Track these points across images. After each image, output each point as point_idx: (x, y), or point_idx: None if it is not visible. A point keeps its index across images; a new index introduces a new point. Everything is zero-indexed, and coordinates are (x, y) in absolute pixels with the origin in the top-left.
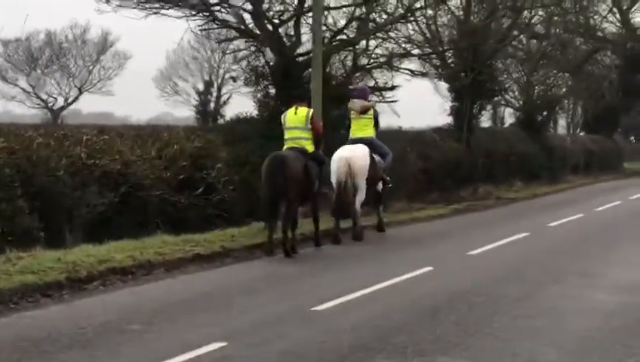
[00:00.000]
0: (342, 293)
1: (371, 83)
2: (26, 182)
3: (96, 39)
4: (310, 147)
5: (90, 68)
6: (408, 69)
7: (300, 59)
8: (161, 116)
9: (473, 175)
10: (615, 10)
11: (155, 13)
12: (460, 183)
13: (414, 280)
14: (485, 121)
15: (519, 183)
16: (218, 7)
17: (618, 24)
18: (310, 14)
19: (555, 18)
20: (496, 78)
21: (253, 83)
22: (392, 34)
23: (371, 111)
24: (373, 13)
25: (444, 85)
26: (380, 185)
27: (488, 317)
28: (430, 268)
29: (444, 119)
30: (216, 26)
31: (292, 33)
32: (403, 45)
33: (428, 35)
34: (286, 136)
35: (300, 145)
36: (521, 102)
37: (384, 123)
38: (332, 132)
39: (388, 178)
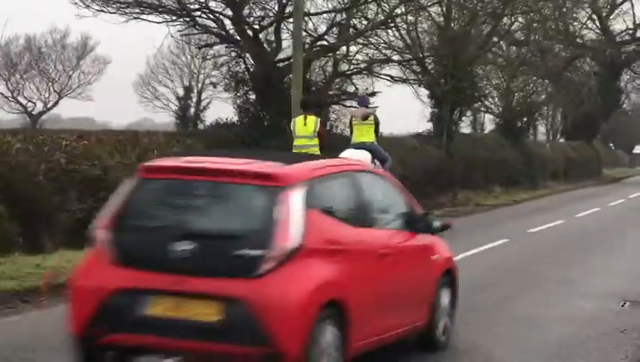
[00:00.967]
0: None
1: (351, 89)
2: (5, 188)
3: (76, 44)
4: (316, 151)
5: (70, 73)
6: (388, 75)
7: (281, 65)
8: (141, 121)
9: (453, 181)
10: (594, 17)
11: (135, 18)
12: (440, 189)
13: None
14: (465, 127)
15: (499, 189)
16: (198, 13)
17: (597, 31)
18: (291, 20)
19: (535, 25)
20: (476, 84)
21: (234, 89)
22: (372, 40)
23: (372, 118)
24: (354, 20)
25: (424, 91)
26: None
27: (466, 323)
28: None
29: (424, 125)
30: (196, 32)
31: (272, 39)
32: (383, 51)
33: (408, 41)
34: (295, 143)
35: (307, 151)
36: (500, 109)
37: None
38: None
39: None
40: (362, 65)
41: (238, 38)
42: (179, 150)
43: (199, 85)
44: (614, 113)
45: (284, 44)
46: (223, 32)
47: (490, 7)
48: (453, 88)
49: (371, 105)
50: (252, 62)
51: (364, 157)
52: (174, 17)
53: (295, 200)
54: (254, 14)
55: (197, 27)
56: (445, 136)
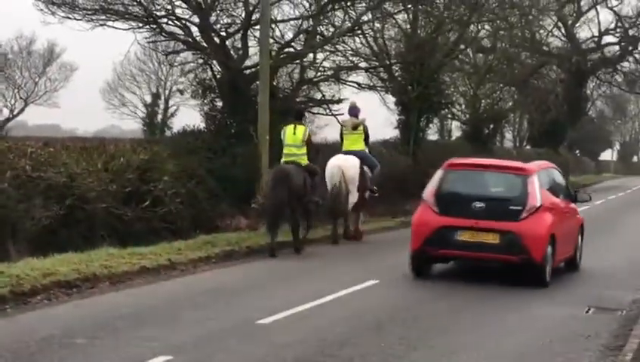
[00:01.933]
0: (288, 306)
1: (318, 96)
2: None
3: (42, 51)
4: (304, 160)
5: (36, 79)
6: (355, 82)
7: (247, 72)
8: (108, 128)
9: (420, 188)
10: (560, 24)
11: (102, 25)
12: (407, 196)
13: (360, 293)
14: (432, 134)
15: None
16: (165, 20)
17: (563, 38)
18: (257, 27)
19: (502, 32)
20: (443, 91)
21: (201, 96)
22: (339, 47)
23: (361, 127)
24: (321, 27)
25: (391, 98)
26: (368, 194)
27: (431, 330)
28: (376, 281)
29: (391, 132)
30: (163, 39)
31: (239, 46)
32: (350, 58)
33: (375, 48)
34: (284, 151)
35: (295, 160)
36: (467, 116)
37: (332, 136)
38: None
39: (375, 188)
40: (329, 73)
41: (205, 45)
42: (146, 157)
43: (166, 92)
44: (580, 120)
45: (251, 51)
46: (190, 39)
47: (456, 14)
48: (420, 95)
49: (361, 116)
50: (219, 69)
51: (352, 163)
52: (141, 24)
53: (535, 181)
54: (221, 21)
55: (163, 34)
56: (412, 143)
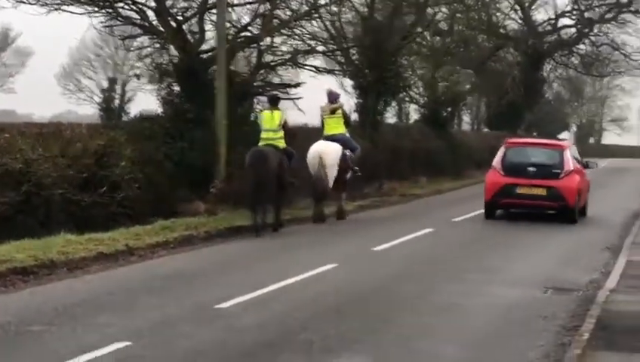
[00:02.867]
0: (246, 291)
1: (276, 80)
2: None
3: None
4: (282, 143)
5: None
6: (313, 66)
7: (204, 56)
8: (65, 114)
9: (378, 171)
10: (517, 7)
11: (57, 9)
12: (365, 180)
13: (319, 277)
14: (390, 118)
15: (424, 179)
16: (121, 4)
17: (520, 21)
18: (214, 11)
19: (458, 15)
20: (401, 74)
21: (157, 80)
22: (296, 31)
23: (340, 111)
24: (278, 10)
25: (349, 82)
26: (350, 174)
27: (391, 313)
28: (335, 265)
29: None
30: (119, 23)
31: (196, 30)
32: (308, 42)
33: (332, 32)
34: (262, 136)
35: (273, 143)
36: (425, 99)
37: (291, 120)
38: (236, 129)
39: (357, 168)
40: (287, 57)
41: (162, 29)
42: (103, 142)
43: (123, 77)
44: (538, 103)
45: (208, 35)
46: (147, 24)
47: None
48: (377, 78)
49: (338, 100)
50: (176, 53)
51: (334, 149)
52: (96, 9)
53: (568, 153)
54: (177, 5)
55: (120, 18)
56: (370, 127)
